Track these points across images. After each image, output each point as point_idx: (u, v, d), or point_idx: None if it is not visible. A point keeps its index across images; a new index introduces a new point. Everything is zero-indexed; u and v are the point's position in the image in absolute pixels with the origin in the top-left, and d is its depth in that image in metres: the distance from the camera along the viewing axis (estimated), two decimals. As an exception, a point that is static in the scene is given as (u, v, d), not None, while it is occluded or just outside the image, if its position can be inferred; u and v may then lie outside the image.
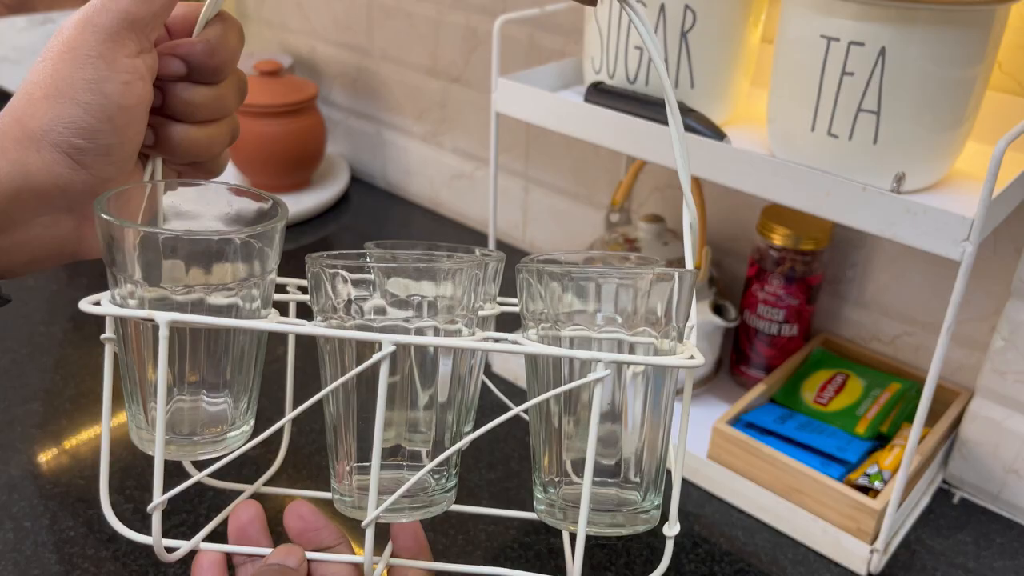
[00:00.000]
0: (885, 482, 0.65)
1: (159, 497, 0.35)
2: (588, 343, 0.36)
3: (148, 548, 0.36)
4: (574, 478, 0.37)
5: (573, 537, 0.35)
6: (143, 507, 0.64)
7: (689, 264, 0.40)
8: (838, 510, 0.63)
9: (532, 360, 0.38)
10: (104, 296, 0.37)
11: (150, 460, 0.36)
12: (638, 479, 0.37)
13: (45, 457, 0.71)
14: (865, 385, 0.75)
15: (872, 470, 0.66)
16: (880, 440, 0.71)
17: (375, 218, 1.16)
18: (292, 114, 1.10)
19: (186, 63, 0.39)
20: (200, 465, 0.39)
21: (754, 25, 0.66)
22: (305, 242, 1.09)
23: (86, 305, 0.35)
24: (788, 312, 0.76)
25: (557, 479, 0.38)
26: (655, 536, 0.39)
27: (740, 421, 0.72)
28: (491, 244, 0.81)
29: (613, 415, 0.37)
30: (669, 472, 0.38)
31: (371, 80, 1.19)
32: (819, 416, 0.73)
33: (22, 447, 0.71)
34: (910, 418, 0.70)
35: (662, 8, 0.63)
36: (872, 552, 0.62)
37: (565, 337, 0.36)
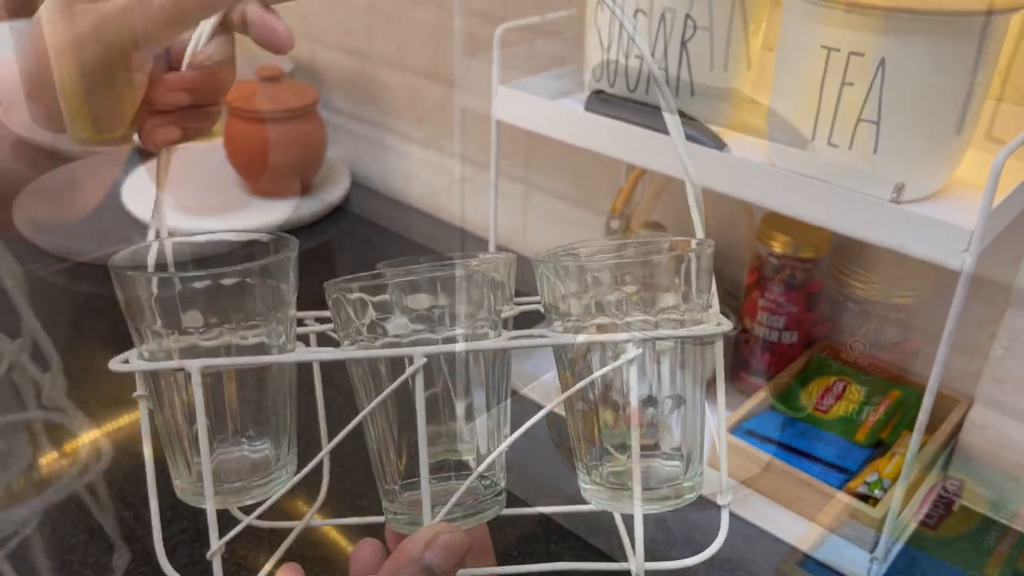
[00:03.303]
0: (885, 490, 0.65)
1: (216, 543, 0.35)
2: (614, 329, 0.36)
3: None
4: (616, 455, 0.38)
5: (624, 518, 0.36)
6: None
7: (700, 235, 0.40)
8: (838, 518, 0.63)
9: (561, 353, 0.38)
10: (131, 354, 0.37)
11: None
12: (679, 453, 0.38)
13: (46, 462, 0.71)
14: (865, 392, 0.75)
15: (872, 478, 0.66)
16: (880, 447, 0.71)
17: (375, 223, 1.16)
18: (293, 119, 1.10)
19: (191, 94, 0.41)
20: (246, 509, 0.39)
21: (754, 34, 0.66)
22: (306, 247, 1.08)
23: (115, 365, 0.36)
24: (788, 319, 0.76)
25: (598, 463, 0.38)
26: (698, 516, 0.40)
27: (740, 428, 0.72)
28: (491, 249, 0.81)
29: (648, 396, 0.37)
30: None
31: (371, 85, 1.19)
32: (819, 423, 0.73)
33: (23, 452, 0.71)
34: (910, 425, 0.70)
35: (662, 18, 0.63)
36: (872, 560, 0.62)
37: (590, 326, 0.36)
